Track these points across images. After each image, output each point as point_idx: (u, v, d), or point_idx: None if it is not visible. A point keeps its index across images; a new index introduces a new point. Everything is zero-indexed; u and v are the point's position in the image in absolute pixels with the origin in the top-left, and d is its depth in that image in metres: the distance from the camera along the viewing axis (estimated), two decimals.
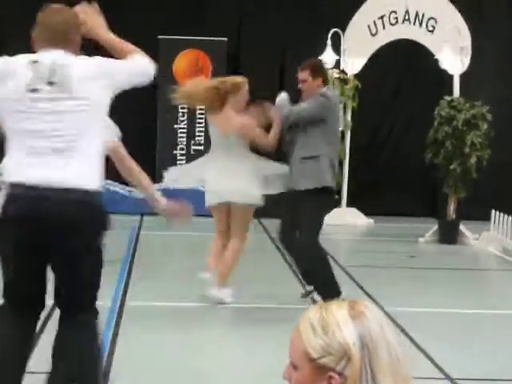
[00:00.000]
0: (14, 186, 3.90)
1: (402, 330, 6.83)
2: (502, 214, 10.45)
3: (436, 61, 11.24)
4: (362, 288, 8.21)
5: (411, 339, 6.58)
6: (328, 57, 12.19)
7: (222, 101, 7.20)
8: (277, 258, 9.37)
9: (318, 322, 1.77)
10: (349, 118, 12.54)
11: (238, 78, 7.43)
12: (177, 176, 7.75)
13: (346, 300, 1.82)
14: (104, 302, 7.07)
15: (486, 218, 10.93)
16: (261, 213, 12.17)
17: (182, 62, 13.20)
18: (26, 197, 3.86)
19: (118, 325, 6.63)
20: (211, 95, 7.19)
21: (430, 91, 12.40)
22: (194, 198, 13.79)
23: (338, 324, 1.75)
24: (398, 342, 1.79)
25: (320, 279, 7.24)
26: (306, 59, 12.25)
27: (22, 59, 4.01)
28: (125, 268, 8.73)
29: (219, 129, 7.27)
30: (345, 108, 12.50)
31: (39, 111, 3.91)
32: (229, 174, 7.13)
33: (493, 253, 10.50)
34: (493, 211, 10.71)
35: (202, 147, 13.27)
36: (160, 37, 13.01)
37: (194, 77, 13.21)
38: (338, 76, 12.37)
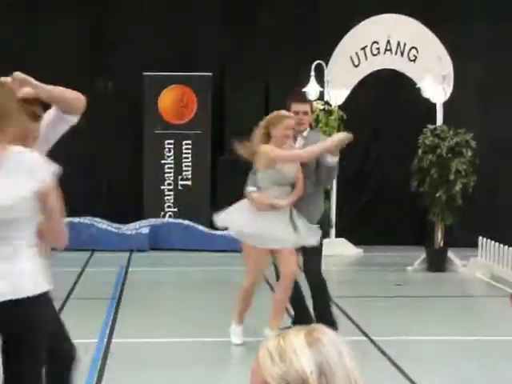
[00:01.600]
0: None
1: (390, 360, 6.82)
2: (489, 241, 10.48)
3: (419, 90, 11.31)
4: (350, 318, 8.21)
5: (399, 368, 6.57)
6: (312, 88, 12.27)
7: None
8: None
9: (276, 350, 1.77)
10: None
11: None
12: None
13: (304, 327, 1.82)
14: (91, 339, 7.07)
15: (474, 244, 10.95)
16: None
17: (167, 98, 13.27)
18: None
19: (104, 362, 6.61)
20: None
21: (415, 120, 12.45)
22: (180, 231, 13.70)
23: (295, 351, 1.75)
24: (357, 368, 1.79)
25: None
26: (290, 92, 12.40)
27: None
28: (112, 305, 8.71)
29: None
30: None
31: None
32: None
33: (481, 279, 10.52)
34: (480, 237, 10.73)
35: (189, 182, 13.30)
36: (145, 73, 13.09)
37: (179, 113, 13.35)
38: (322, 107, 12.44)
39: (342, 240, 12.66)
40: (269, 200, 6.91)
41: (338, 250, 12.44)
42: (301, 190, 7.07)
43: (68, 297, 8.94)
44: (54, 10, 13.22)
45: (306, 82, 12.25)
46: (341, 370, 1.75)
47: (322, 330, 1.81)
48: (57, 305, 8.51)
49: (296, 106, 7.28)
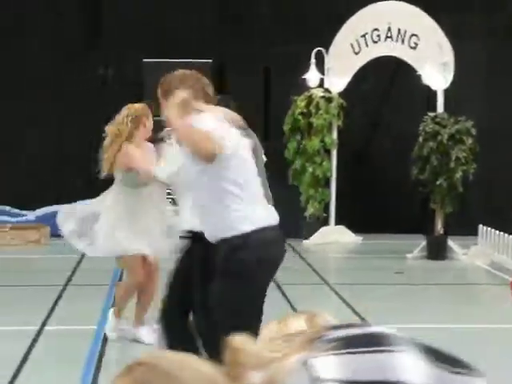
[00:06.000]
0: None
1: None
2: (489, 229, 10.46)
3: (419, 77, 11.27)
4: (349, 306, 8.20)
5: None
6: (312, 76, 12.25)
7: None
8: None
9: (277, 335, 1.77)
10: (334, 136, 12.57)
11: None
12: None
13: (303, 313, 1.81)
14: None
15: (474, 232, 10.93)
16: None
17: None
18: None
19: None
20: None
21: (416, 107, 12.43)
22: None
23: None
24: None
25: None
26: (290, 79, 12.38)
27: None
28: None
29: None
30: (330, 126, 12.53)
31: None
32: None
33: (481, 267, 10.50)
34: (480, 226, 10.71)
35: None
36: (145, 60, 13.03)
37: None
38: (322, 95, 12.41)
39: (341, 227, 12.63)
40: None
41: (337, 238, 12.43)
42: None
43: None
44: None
45: (305, 69, 12.22)
46: None
47: (323, 317, 1.80)
48: None
49: None
